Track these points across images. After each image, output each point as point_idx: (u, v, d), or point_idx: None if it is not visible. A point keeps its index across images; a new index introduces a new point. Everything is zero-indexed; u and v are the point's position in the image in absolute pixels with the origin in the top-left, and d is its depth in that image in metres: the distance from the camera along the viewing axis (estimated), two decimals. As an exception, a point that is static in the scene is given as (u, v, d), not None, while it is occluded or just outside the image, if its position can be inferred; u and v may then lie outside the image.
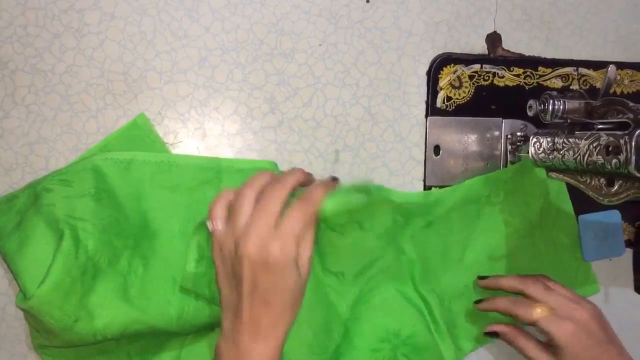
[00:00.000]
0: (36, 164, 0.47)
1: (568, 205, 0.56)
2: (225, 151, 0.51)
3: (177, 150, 0.50)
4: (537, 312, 0.47)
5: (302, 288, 0.39)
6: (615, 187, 0.43)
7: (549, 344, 0.47)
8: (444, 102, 0.54)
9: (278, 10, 0.51)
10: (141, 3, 0.49)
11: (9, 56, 0.47)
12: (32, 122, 0.47)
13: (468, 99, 0.55)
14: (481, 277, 0.53)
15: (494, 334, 0.50)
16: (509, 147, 0.55)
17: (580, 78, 0.57)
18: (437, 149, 0.55)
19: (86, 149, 0.48)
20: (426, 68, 0.54)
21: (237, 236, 0.37)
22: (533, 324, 0.47)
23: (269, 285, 0.37)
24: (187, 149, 0.50)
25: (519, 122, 0.55)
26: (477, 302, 0.52)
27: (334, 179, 0.42)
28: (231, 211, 0.39)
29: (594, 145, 0.43)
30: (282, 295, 0.38)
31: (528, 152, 0.52)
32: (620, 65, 0.58)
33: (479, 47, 0.56)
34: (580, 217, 0.57)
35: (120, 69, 0.49)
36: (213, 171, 0.48)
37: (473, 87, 0.55)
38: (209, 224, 0.39)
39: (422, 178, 0.55)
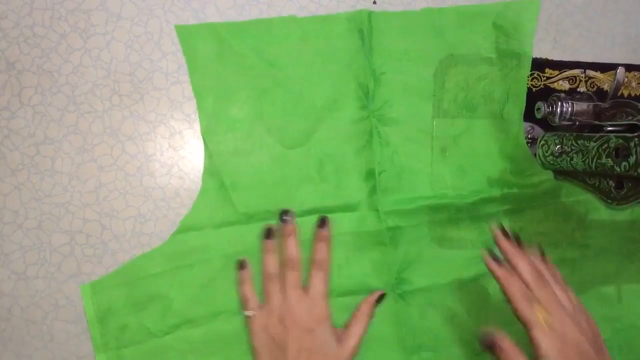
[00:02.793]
0: (42, 164, 0.47)
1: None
2: (232, 152, 0.51)
3: (184, 151, 0.50)
4: (537, 317, 0.43)
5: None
6: (625, 190, 0.43)
7: (535, 354, 0.43)
8: (451, 104, 0.54)
9: (285, 12, 0.51)
10: (148, 4, 0.48)
11: (16, 57, 0.47)
12: (38, 122, 0.47)
13: (475, 100, 0.55)
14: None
15: (489, 344, 0.43)
16: (516, 149, 0.55)
17: (587, 80, 0.57)
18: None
19: (92, 149, 0.48)
20: (433, 70, 0.54)
21: (279, 314, 0.47)
22: (525, 324, 0.43)
23: (312, 344, 0.46)
24: (194, 149, 0.50)
25: (526, 124, 0.54)
26: (492, 256, 0.46)
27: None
28: (264, 294, 0.48)
29: (603, 147, 0.43)
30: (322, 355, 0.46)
31: (536, 155, 0.52)
32: (628, 68, 0.57)
33: (486, 48, 0.55)
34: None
35: (126, 70, 0.48)
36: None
37: (480, 89, 0.55)
38: (247, 313, 0.48)
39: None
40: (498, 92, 0.53)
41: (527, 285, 0.44)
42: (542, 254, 0.48)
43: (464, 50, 0.52)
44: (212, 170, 0.49)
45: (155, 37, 0.49)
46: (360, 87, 0.51)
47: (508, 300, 0.44)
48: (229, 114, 0.49)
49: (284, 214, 0.50)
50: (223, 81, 0.49)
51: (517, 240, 0.48)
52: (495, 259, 0.46)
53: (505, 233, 0.47)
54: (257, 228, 0.50)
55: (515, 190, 0.54)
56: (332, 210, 0.51)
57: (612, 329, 0.58)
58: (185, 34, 0.48)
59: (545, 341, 0.42)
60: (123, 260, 0.49)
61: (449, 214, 0.53)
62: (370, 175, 0.52)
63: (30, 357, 0.48)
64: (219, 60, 0.49)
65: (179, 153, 0.50)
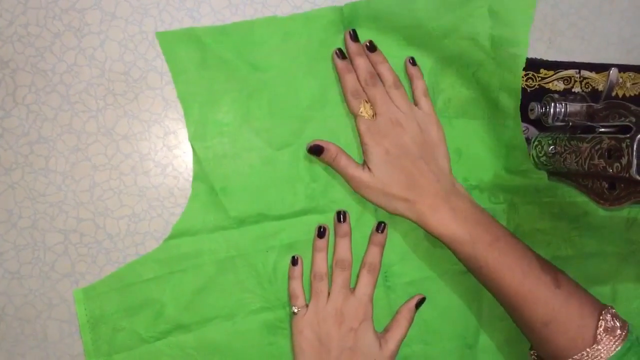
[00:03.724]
0: (36, 163, 0.47)
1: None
2: (226, 152, 0.51)
3: (178, 150, 0.50)
4: (360, 111, 0.49)
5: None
6: (617, 191, 0.43)
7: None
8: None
9: (279, 11, 0.51)
10: (142, 3, 0.48)
11: (10, 55, 0.47)
12: (32, 121, 0.47)
13: (470, 101, 0.55)
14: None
15: (317, 149, 0.49)
16: (511, 150, 0.55)
17: (582, 81, 0.57)
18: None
19: (86, 148, 0.48)
20: (428, 70, 0.54)
21: (325, 312, 0.48)
22: (353, 113, 0.50)
23: (354, 344, 0.48)
24: (188, 149, 0.50)
25: (521, 125, 0.54)
26: (338, 52, 0.50)
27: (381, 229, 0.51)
28: (312, 293, 0.49)
29: (596, 148, 0.43)
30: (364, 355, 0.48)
31: (530, 155, 0.52)
32: (622, 68, 0.57)
33: (481, 49, 0.55)
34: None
35: (121, 69, 0.48)
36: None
37: (475, 89, 0.55)
38: (294, 309, 0.49)
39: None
40: (493, 81, 0.53)
41: (360, 82, 0.49)
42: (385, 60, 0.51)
43: (456, 36, 0.52)
44: (201, 175, 0.49)
45: (150, 36, 0.49)
46: None
47: (342, 87, 0.50)
48: (215, 118, 0.49)
49: (340, 215, 0.50)
50: (208, 86, 0.49)
51: (370, 47, 0.50)
52: (341, 54, 0.50)
53: (353, 34, 0.50)
54: (249, 232, 0.50)
55: (507, 183, 0.54)
56: (324, 210, 0.51)
57: None
58: (167, 40, 0.48)
59: (366, 133, 0.48)
60: (117, 260, 0.49)
61: None
62: None
63: (23, 356, 0.48)
64: (202, 65, 0.48)
65: (173, 152, 0.50)
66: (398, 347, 0.50)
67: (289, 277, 0.50)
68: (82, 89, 0.48)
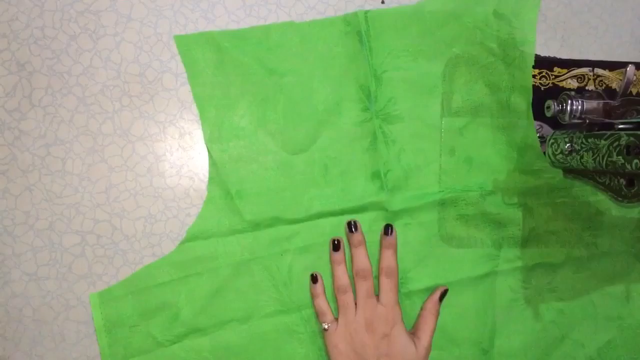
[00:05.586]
0: (53, 165, 0.48)
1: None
2: (241, 152, 0.51)
3: (194, 151, 0.50)
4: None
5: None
6: (635, 188, 0.43)
7: None
8: (459, 103, 0.54)
9: (293, 12, 0.51)
10: (157, 5, 0.49)
11: (26, 58, 0.47)
12: (48, 123, 0.47)
13: (483, 99, 0.55)
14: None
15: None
16: (525, 148, 0.55)
17: (595, 78, 0.57)
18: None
19: (102, 150, 0.48)
20: (441, 69, 0.54)
21: (355, 324, 0.48)
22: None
23: (390, 350, 0.48)
24: (203, 150, 0.50)
25: (535, 123, 0.54)
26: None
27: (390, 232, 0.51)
28: (339, 307, 0.49)
29: (614, 145, 0.42)
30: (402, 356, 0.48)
31: (545, 153, 0.52)
32: (636, 66, 0.57)
33: (494, 47, 0.55)
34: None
35: (136, 71, 0.49)
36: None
37: (488, 88, 0.55)
38: (324, 325, 0.49)
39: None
40: (503, 82, 0.53)
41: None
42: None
43: (464, 42, 0.52)
44: (217, 178, 0.49)
45: (165, 38, 0.49)
46: (361, 89, 0.51)
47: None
48: (231, 122, 0.49)
49: (350, 224, 0.50)
50: (224, 90, 0.49)
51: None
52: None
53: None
54: (264, 235, 0.50)
55: (521, 184, 0.54)
56: (339, 213, 0.51)
57: (618, 327, 0.58)
58: (184, 44, 0.49)
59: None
60: (134, 261, 0.49)
61: (457, 210, 0.53)
62: (376, 176, 0.52)
63: (41, 357, 0.48)
64: (219, 69, 0.49)
65: (189, 153, 0.50)
66: (431, 341, 0.50)
67: (312, 296, 0.50)
68: (98, 90, 0.48)
